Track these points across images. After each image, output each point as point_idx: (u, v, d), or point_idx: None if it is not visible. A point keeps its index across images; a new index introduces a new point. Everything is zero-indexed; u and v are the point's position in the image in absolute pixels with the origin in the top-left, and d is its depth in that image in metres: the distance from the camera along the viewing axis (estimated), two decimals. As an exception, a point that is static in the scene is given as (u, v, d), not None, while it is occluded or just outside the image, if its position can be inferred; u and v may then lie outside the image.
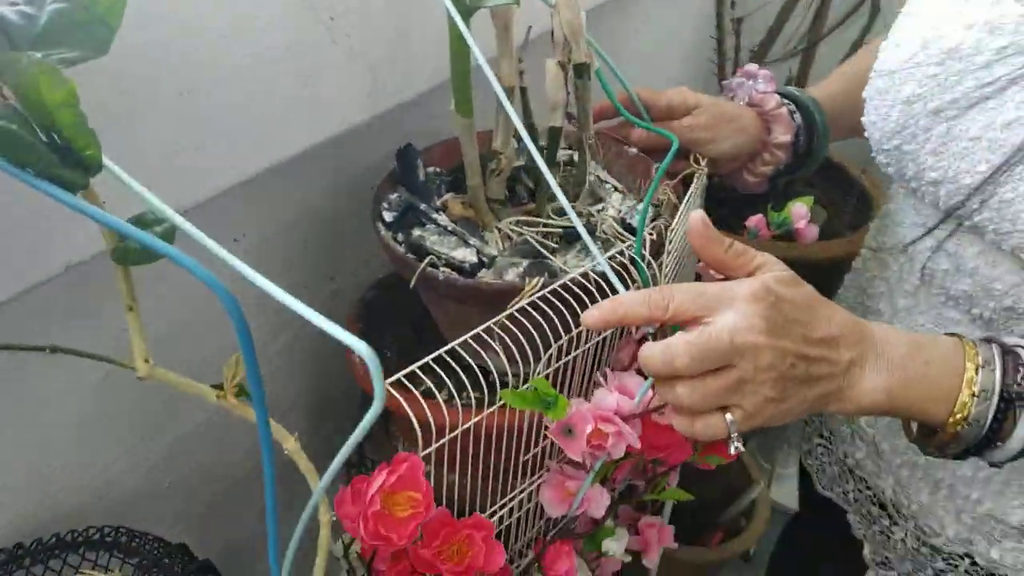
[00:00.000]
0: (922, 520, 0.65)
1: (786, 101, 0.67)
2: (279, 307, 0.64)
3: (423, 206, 0.58)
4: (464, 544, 0.43)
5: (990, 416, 0.44)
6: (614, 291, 0.50)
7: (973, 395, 0.44)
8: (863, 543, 0.73)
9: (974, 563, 0.62)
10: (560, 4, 0.50)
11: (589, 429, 0.44)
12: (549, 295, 0.49)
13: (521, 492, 0.55)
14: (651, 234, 0.54)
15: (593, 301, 0.50)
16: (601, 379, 0.49)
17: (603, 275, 0.51)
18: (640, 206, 0.60)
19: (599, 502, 0.51)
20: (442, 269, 0.53)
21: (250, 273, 0.28)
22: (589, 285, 0.50)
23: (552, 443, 0.55)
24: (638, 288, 0.50)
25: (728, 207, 0.83)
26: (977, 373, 0.44)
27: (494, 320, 0.47)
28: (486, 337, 0.49)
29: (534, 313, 0.49)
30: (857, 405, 0.44)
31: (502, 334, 0.48)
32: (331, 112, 0.51)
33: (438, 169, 0.64)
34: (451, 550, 0.43)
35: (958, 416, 0.44)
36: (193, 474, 0.60)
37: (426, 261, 0.53)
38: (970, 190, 0.49)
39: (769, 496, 1.04)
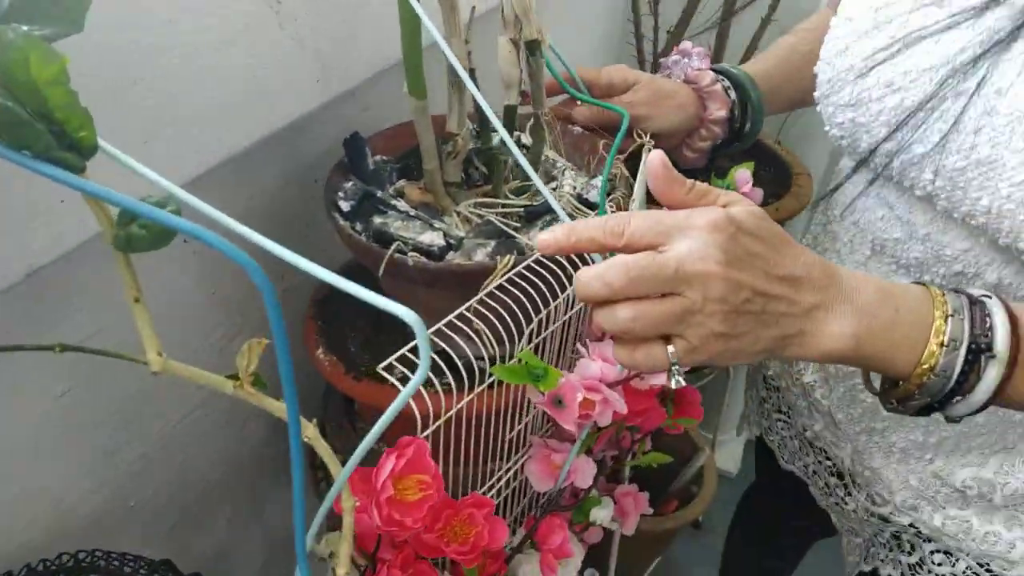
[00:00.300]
0: (874, 488, 0.67)
1: (720, 77, 0.70)
2: (241, 302, 0.62)
3: (379, 193, 0.57)
4: (466, 524, 0.43)
5: (958, 367, 0.42)
6: (585, 263, 0.50)
7: (942, 344, 0.42)
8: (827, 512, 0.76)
9: (918, 533, 0.65)
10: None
11: (580, 398, 0.45)
12: (524, 271, 0.49)
13: (507, 472, 0.55)
14: (611, 207, 0.55)
15: (565, 274, 0.50)
16: (582, 349, 0.50)
17: (571, 248, 0.52)
18: (596, 180, 0.61)
19: (586, 472, 0.52)
20: (410, 255, 0.52)
21: (273, 247, 0.27)
22: (560, 258, 0.51)
23: (531, 421, 0.55)
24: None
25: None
26: (946, 322, 0.42)
27: (474, 300, 0.47)
28: (464, 319, 0.49)
29: (510, 291, 0.49)
30: (819, 351, 0.42)
31: (479, 315, 0.48)
32: (280, 102, 0.50)
33: (384, 157, 0.63)
34: (453, 531, 0.43)
35: (925, 366, 0.42)
36: (160, 488, 0.57)
37: (393, 247, 0.52)
38: (922, 158, 0.50)
39: (714, 463, 1.08)
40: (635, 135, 0.66)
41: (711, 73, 0.70)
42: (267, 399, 0.30)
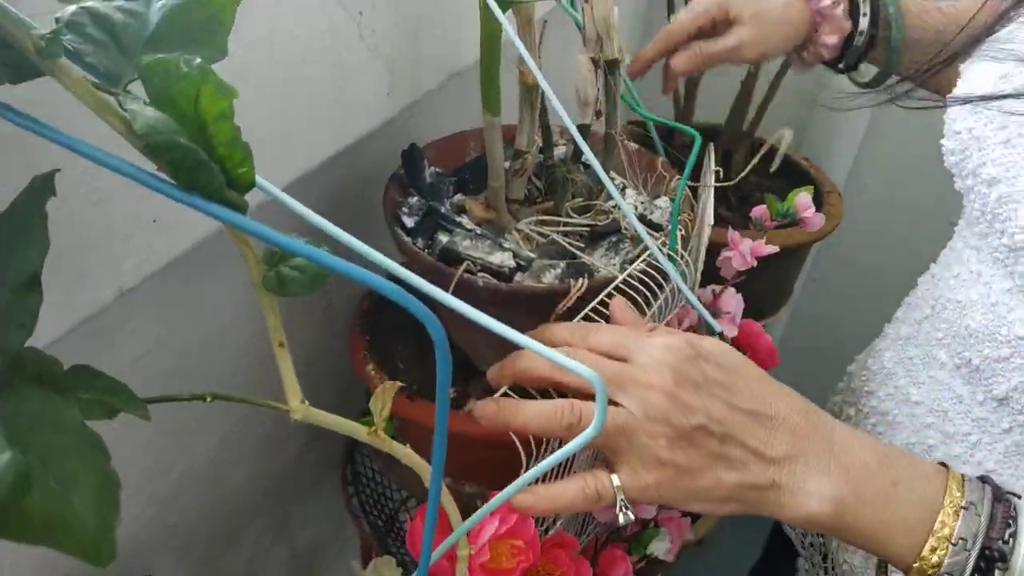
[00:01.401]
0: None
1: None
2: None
3: (443, 209, 0.56)
4: (551, 564, 0.42)
5: (968, 571, 0.35)
6: (658, 286, 0.50)
7: (948, 540, 0.35)
8: None
9: None
10: (594, -3, 0.49)
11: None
12: (603, 296, 0.48)
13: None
14: (680, 230, 0.54)
15: (641, 297, 0.49)
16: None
17: (644, 272, 0.51)
18: (658, 201, 0.60)
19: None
20: (480, 275, 0.51)
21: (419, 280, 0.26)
22: (634, 282, 0.50)
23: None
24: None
25: (728, 203, 0.85)
26: (957, 516, 0.35)
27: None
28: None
29: (587, 316, 0.48)
30: (797, 512, 0.36)
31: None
32: (354, 115, 0.48)
33: (439, 169, 0.62)
34: (537, 573, 0.42)
35: (928, 562, 0.35)
36: (198, 507, 0.55)
37: (462, 268, 0.50)
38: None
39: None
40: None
41: None
42: (395, 444, 0.28)
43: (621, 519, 0.37)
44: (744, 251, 0.55)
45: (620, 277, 0.50)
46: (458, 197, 0.60)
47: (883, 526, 0.36)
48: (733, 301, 0.54)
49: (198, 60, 0.21)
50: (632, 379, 0.36)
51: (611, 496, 0.37)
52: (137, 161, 0.23)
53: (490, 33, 0.48)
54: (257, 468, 0.63)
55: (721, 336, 0.49)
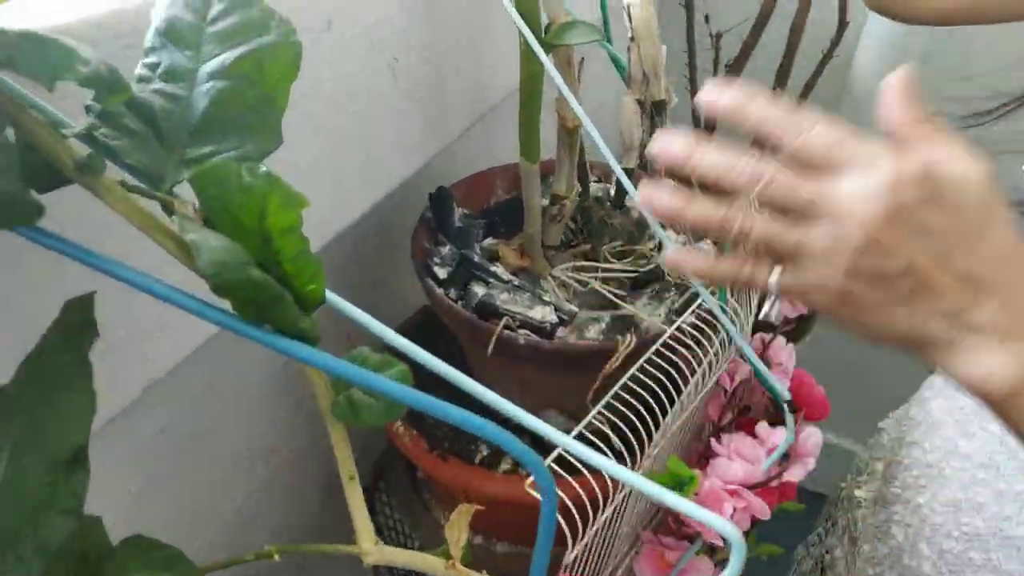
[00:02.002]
0: None
1: None
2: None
3: (476, 258, 0.52)
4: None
5: None
6: (707, 339, 0.47)
7: None
8: None
9: None
10: (641, 37, 0.46)
11: (730, 510, 0.41)
12: (652, 355, 0.45)
13: (615, 570, 0.51)
14: (728, 278, 0.51)
15: (695, 359, 0.46)
16: (717, 446, 0.46)
17: (693, 326, 0.48)
18: (701, 244, 0.57)
19: (702, 573, 0.48)
20: (521, 332, 0.47)
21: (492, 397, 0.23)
22: (685, 339, 0.47)
23: (632, 508, 0.51)
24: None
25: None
26: None
27: (609, 396, 0.43)
28: (584, 408, 0.44)
29: (636, 375, 0.45)
30: (963, 374, 0.33)
31: (607, 407, 0.43)
32: (390, 165, 0.45)
33: (466, 211, 0.59)
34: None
35: None
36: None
37: (502, 324, 0.47)
38: None
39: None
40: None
41: None
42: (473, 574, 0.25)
43: (766, 311, 0.37)
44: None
45: (669, 331, 0.47)
46: (489, 241, 0.57)
47: None
48: (784, 351, 0.51)
49: (263, 169, 0.18)
50: (834, 202, 0.31)
51: (763, 283, 0.34)
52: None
53: (531, 75, 0.45)
54: (277, 524, 0.59)
55: (790, 404, 0.46)
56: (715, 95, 0.33)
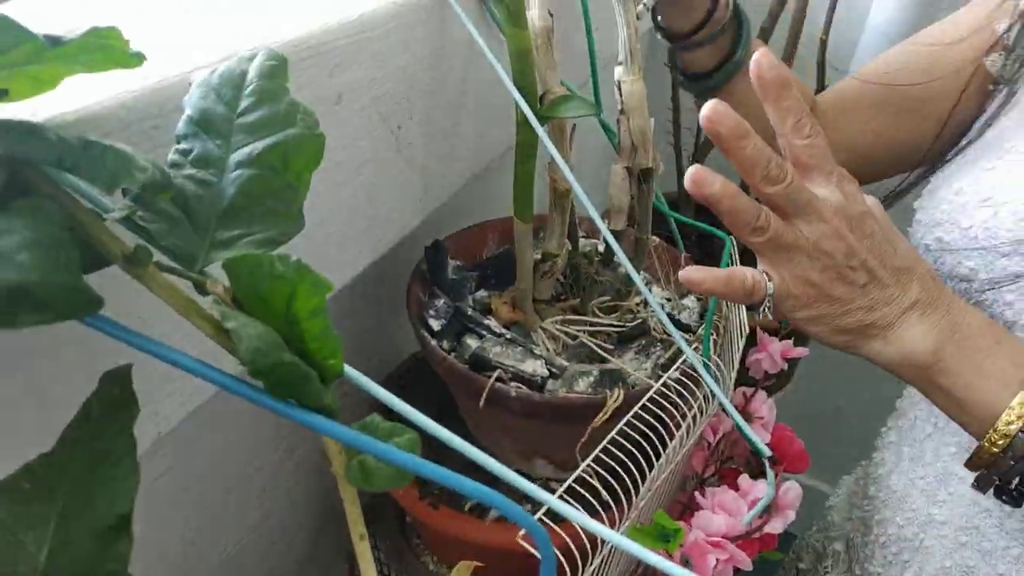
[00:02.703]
0: None
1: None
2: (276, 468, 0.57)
3: (469, 310, 0.54)
4: None
5: None
6: (691, 393, 0.48)
7: None
8: None
9: None
10: (630, 110, 0.48)
11: (713, 562, 0.42)
12: (639, 409, 0.47)
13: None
14: (713, 334, 0.53)
15: (679, 413, 0.48)
16: (701, 499, 0.47)
17: (678, 381, 0.50)
18: (685, 300, 0.60)
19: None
20: (512, 385, 0.49)
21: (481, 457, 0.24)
22: (670, 393, 0.48)
23: (619, 557, 0.52)
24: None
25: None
26: None
27: (598, 450, 0.44)
28: (573, 463, 0.46)
29: (623, 430, 0.46)
30: (898, 350, 0.41)
31: (596, 460, 0.45)
32: (391, 224, 0.47)
33: (459, 263, 0.61)
34: None
35: (1014, 411, 0.39)
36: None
37: (494, 376, 0.49)
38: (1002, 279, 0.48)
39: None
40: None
41: None
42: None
43: (759, 315, 0.43)
44: (774, 352, 0.54)
45: (655, 386, 0.48)
46: (481, 293, 0.59)
47: (977, 375, 0.40)
48: (765, 406, 0.53)
49: (294, 259, 0.20)
50: (818, 213, 0.40)
51: (763, 293, 0.42)
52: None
53: (526, 143, 0.47)
54: (268, 571, 0.60)
55: (770, 459, 0.47)
56: (761, 62, 0.40)
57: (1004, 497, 0.43)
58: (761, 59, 0.39)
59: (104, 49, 0.22)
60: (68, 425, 0.20)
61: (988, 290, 0.49)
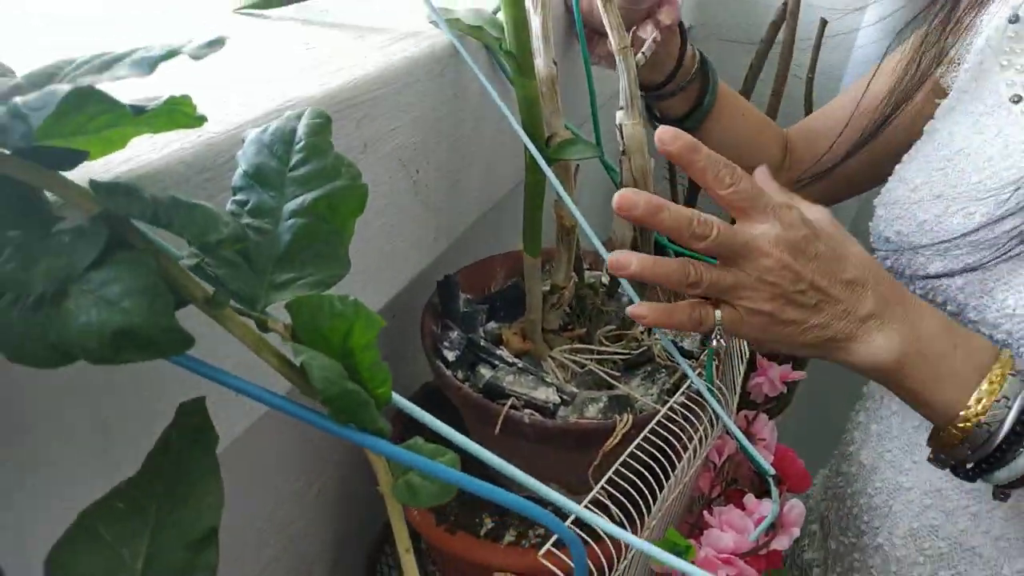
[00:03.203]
0: None
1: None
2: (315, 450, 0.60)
3: (483, 342, 0.57)
4: None
5: (1007, 425, 0.42)
6: (696, 417, 0.51)
7: (992, 395, 0.42)
8: None
9: None
10: (631, 151, 0.51)
11: (724, 576, 0.44)
12: (648, 433, 0.49)
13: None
14: (715, 360, 0.56)
15: (686, 435, 0.50)
16: (709, 517, 0.49)
17: (683, 405, 0.52)
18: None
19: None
20: (525, 412, 0.51)
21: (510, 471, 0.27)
22: (676, 417, 0.51)
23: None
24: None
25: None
26: (1004, 379, 0.42)
27: (611, 472, 0.47)
28: (586, 486, 0.48)
29: (633, 452, 0.49)
30: (862, 360, 0.44)
31: (609, 482, 0.47)
32: (407, 263, 0.49)
33: (469, 296, 0.63)
34: None
35: (971, 410, 0.42)
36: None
37: (508, 404, 0.51)
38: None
39: None
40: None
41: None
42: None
43: (714, 343, 0.45)
44: (773, 377, 0.56)
45: (662, 411, 0.51)
46: (492, 325, 0.61)
47: (936, 379, 0.43)
48: (767, 428, 0.55)
49: (352, 298, 0.23)
50: (758, 250, 0.42)
51: (711, 324, 0.44)
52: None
53: (535, 182, 0.50)
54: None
55: (774, 478, 0.50)
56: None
57: (959, 474, 0.46)
58: (662, 135, 0.42)
59: (173, 113, 0.25)
60: (150, 452, 0.22)
61: (944, 277, 0.54)
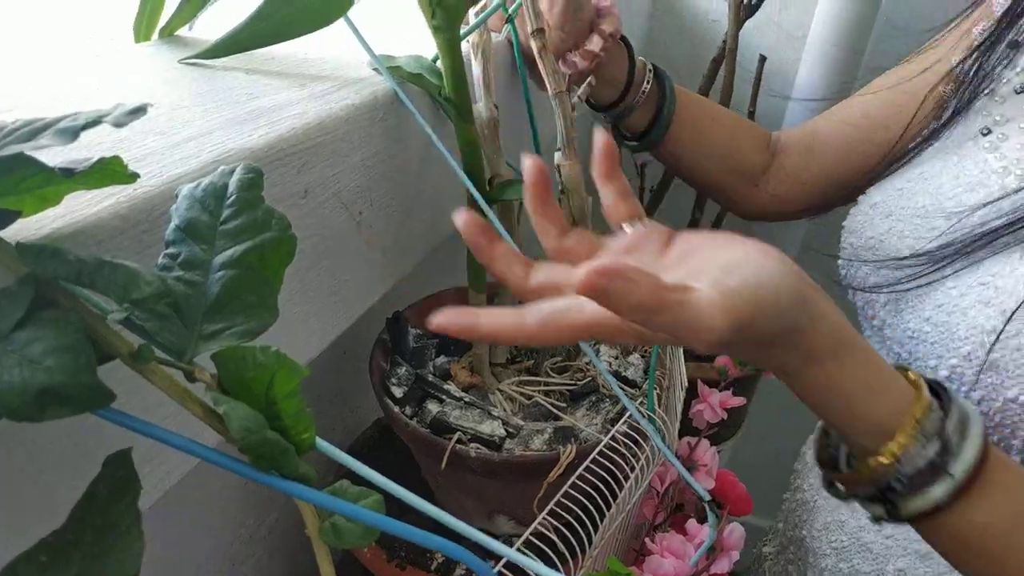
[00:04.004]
0: None
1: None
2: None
3: (431, 377, 0.58)
4: None
5: (922, 464, 0.39)
6: (637, 444, 0.52)
7: (912, 435, 0.39)
8: None
9: None
10: (569, 190, 0.53)
11: (663, 602, 0.46)
12: (590, 462, 0.50)
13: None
14: (656, 388, 0.58)
15: (628, 465, 0.52)
16: (651, 544, 0.51)
17: (626, 434, 0.53)
18: (631, 358, 0.64)
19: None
20: (472, 446, 0.52)
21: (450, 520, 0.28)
22: (618, 447, 0.52)
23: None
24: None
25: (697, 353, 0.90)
26: (925, 416, 0.39)
27: (552, 503, 0.48)
28: (531, 516, 0.49)
29: (576, 483, 0.50)
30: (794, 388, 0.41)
31: (550, 513, 0.48)
32: (353, 302, 0.51)
33: (419, 331, 0.64)
34: None
35: (888, 449, 0.39)
36: None
37: (455, 439, 0.52)
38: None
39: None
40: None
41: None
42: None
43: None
44: (714, 403, 0.58)
45: (604, 441, 0.52)
46: (441, 360, 0.62)
47: (866, 386, 0.40)
48: (708, 453, 0.57)
49: (273, 348, 0.24)
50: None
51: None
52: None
53: (477, 222, 0.52)
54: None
55: (710, 504, 0.51)
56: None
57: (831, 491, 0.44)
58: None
59: (106, 171, 0.26)
60: (77, 504, 0.23)
61: (887, 291, 0.56)
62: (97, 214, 0.30)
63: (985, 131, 0.57)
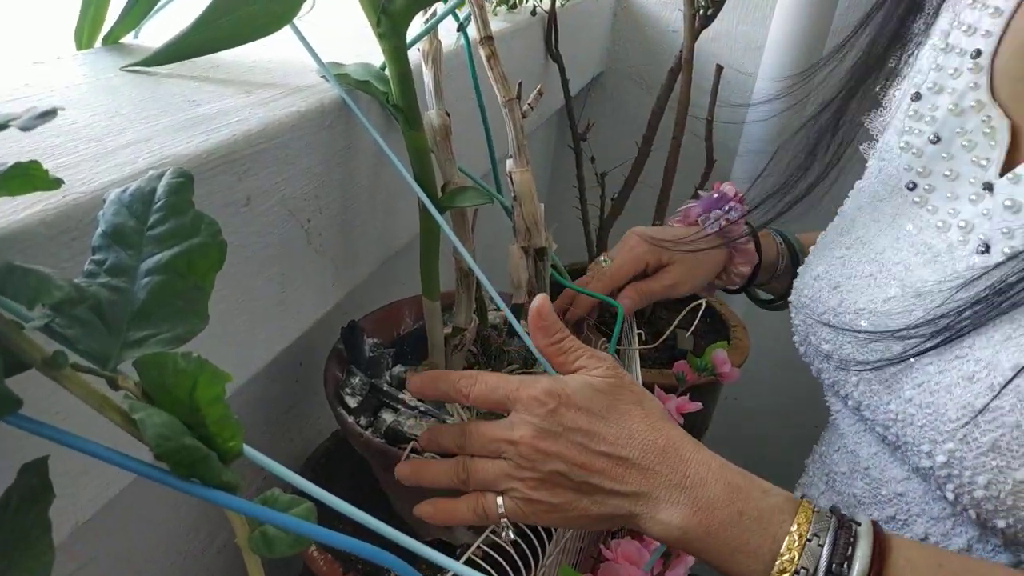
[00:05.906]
0: None
1: (748, 231, 0.75)
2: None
3: (386, 387, 0.57)
4: None
5: (823, 563, 0.38)
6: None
7: (792, 567, 0.39)
8: None
9: None
10: (522, 197, 0.54)
11: (618, 608, 0.45)
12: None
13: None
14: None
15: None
16: (606, 551, 0.51)
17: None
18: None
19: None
20: (426, 455, 0.52)
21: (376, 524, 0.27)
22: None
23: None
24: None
25: (642, 339, 0.91)
26: (803, 546, 0.39)
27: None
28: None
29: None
30: (652, 533, 0.43)
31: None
32: (304, 310, 0.50)
33: (376, 340, 0.64)
34: None
35: (785, 559, 0.39)
36: None
37: (409, 448, 0.52)
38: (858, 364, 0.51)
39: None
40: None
41: (745, 226, 0.74)
42: None
43: (503, 535, 0.45)
44: (671, 409, 0.59)
45: (560, 448, 0.52)
46: (398, 368, 0.62)
47: (728, 551, 0.40)
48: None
49: (195, 355, 0.23)
50: (504, 436, 0.44)
51: (495, 517, 0.45)
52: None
53: (429, 230, 0.52)
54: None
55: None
56: (416, 385, 0.51)
57: None
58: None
59: (27, 177, 0.26)
60: (-11, 515, 0.22)
61: (842, 369, 0.54)
62: (22, 221, 0.29)
63: (911, 185, 0.54)
